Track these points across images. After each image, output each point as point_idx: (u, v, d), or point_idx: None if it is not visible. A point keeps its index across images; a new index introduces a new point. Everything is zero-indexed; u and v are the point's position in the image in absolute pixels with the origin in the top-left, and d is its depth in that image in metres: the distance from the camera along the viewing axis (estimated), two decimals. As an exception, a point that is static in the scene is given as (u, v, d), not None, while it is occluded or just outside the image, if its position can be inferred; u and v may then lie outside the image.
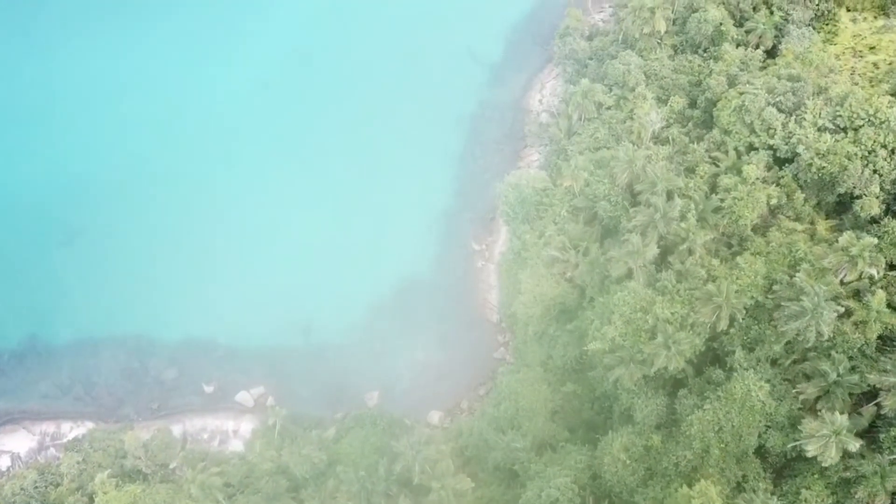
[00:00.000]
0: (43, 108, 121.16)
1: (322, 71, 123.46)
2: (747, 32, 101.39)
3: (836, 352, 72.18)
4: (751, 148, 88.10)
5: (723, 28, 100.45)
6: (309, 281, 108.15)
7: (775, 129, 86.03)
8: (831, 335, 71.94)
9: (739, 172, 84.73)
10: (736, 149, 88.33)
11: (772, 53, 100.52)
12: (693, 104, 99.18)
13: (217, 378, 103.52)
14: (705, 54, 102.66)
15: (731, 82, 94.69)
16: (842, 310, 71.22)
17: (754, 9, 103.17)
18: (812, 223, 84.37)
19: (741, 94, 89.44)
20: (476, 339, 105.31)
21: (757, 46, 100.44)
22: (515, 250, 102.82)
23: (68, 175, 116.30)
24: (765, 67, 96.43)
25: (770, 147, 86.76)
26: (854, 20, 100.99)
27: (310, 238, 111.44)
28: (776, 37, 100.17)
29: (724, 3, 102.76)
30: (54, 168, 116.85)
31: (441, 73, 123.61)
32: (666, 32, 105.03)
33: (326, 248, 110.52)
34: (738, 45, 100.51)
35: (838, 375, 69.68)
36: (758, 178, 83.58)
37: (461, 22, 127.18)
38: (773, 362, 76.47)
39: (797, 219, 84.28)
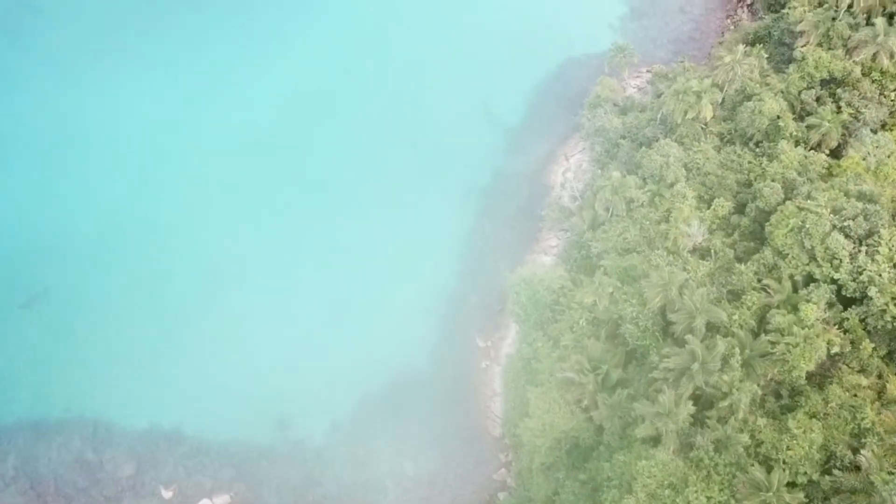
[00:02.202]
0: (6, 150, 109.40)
1: (316, 129, 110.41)
2: (808, 128, 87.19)
3: (911, 565, 58.86)
4: (810, 279, 73.97)
5: (780, 123, 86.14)
6: (290, 367, 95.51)
7: (841, 261, 72.05)
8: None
9: (795, 309, 70.78)
10: (792, 278, 74.15)
11: (836, 153, 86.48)
12: (741, 209, 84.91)
13: (178, 480, 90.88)
14: (757, 149, 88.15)
15: (788, 189, 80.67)
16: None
17: (818, 100, 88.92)
18: (880, 377, 70.36)
19: (800, 210, 75.44)
20: (474, 455, 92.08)
21: (819, 145, 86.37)
22: (525, 357, 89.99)
23: (31, 228, 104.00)
24: (829, 175, 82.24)
25: (834, 281, 72.81)
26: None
27: (293, 318, 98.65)
28: (843, 135, 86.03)
29: (783, 93, 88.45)
30: (14, 218, 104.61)
31: (452, 136, 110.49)
32: (712, 118, 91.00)
33: (312, 329, 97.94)
34: (796, 143, 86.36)
35: None
36: (818, 319, 69.97)
37: (477, 79, 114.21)
38: (826, 551, 63.38)
39: (862, 370, 70.33)
